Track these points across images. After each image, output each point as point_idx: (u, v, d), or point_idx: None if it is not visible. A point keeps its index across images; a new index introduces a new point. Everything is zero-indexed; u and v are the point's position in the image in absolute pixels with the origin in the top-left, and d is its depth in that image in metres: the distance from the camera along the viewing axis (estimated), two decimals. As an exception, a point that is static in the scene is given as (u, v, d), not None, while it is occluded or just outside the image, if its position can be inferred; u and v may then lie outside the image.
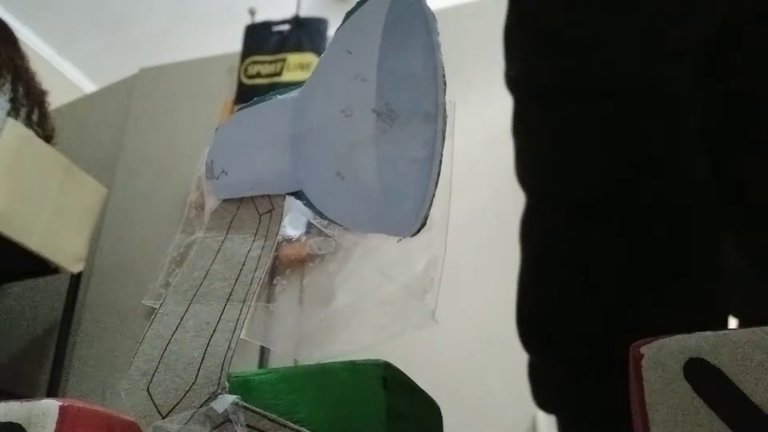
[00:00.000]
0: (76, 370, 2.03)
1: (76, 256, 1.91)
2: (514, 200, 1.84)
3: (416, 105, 0.31)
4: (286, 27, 2.13)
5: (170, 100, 2.47)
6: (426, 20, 0.33)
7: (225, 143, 0.41)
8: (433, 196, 0.30)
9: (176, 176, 2.23)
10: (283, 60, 2.04)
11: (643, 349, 0.28)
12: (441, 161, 0.30)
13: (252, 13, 2.24)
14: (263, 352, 1.52)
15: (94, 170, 2.04)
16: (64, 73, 3.71)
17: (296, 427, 0.31)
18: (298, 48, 2.07)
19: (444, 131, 0.30)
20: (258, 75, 2.03)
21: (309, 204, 0.36)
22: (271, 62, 2.04)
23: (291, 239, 0.41)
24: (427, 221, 0.31)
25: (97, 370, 2.01)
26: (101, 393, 1.89)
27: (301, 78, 2.00)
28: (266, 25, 2.16)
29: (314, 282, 0.39)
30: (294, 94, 0.38)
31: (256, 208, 0.39)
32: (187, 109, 2.38)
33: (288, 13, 2.17)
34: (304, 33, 2.10)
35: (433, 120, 0.30)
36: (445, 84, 0.31)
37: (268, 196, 0.39)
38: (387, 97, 0.32)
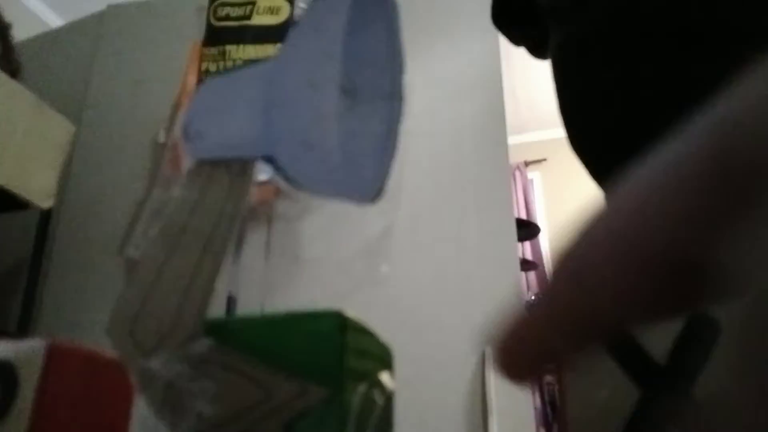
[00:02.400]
0: (46, 305, 2.05)
1: (45, 191, 1.90)
2: (473, 146, 1.88)
3: (377, 84, 0.35)
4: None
5: (138, 38, 2.43)
6: (389, 5, 0.36)
7: (201, 107, 0.44)
8: (390, 168, 0.34)
9: (144, 114, 2.22)
10: (253, 3, 2.02)
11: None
12: (397, 137, 0.34)
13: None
14: (230, 301, 1.57)
15: (61, 107, 2.02)
16: (27, 4, 3.60)
17: (263, 367, 0.35)
18: (269, -9, 2.05)
19: (401, 110, 0.34)
20: (227, 17, 2.00)
21: (279, 169, 0.40)
22: (240, 5, 2.01)
23: (259, 182, 0.44)
24: (384, 190, 0.34)
25: (68, 305, 2.03)
26: (72, 328, 1.93)
27: (270, 22, 1.99)
28: (237, -34, 2.13)
29: (280, 240, 0.43)
30: (268, 64, 0.41)
31: (229, 170, 0.42)
32: (156, 48, 2.34)
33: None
34: (275, -24, 2.08)
35: (391, 99, 0.34)
36: (404, 66, 0.34)
37: (241, 159, 0.42)
38: (351, 75, 0.35)
